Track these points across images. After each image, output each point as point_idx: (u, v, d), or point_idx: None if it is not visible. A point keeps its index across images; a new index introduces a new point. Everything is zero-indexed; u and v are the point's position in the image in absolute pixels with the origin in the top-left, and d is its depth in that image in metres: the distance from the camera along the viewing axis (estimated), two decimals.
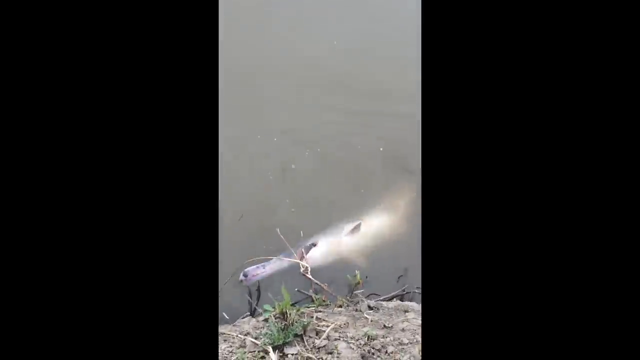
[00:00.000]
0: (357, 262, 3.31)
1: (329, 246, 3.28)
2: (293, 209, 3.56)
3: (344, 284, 2.98)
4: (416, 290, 3.00)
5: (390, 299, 2.96)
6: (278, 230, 2.90)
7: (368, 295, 2.99)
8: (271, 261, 2.76)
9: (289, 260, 2.75)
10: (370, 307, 2.45)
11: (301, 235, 2.95)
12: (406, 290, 3.04)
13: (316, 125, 3.93)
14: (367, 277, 3.18)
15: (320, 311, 2.41)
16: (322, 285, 2.60)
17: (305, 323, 2.18)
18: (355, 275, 2.63)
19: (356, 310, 2.44)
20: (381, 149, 3.78)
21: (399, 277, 3.23)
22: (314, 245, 3.27)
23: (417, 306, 2.51)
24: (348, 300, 2.58)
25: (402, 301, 3.03)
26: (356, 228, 3.34)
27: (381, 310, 2.43)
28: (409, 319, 2.34)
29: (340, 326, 2.26)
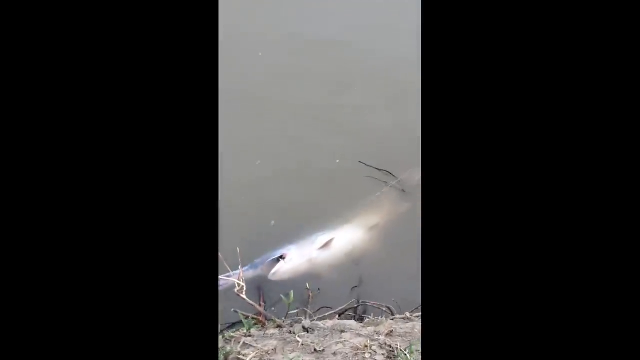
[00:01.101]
0: (327, 276, 3.18)
1: (300, 259, 3.14)
2: (273, 221, 3.42)
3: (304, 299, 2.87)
4: (368, 303, 2.87)
5: (342, 313, 2.84)
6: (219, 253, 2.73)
7: (319, 309, 2.86)
8: None
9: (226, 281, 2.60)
10: (305, 329, 2.31)
11: (238, 251, 2.78)
12: (360, 303, 2.91)
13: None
14: (319, 289, 3.05)
15: (250, 335, 2.28)
16: (254, 305, 2.46)
17: (227, 351, 2.05)
18: (289, 295, 2.48)
19: (290, 332, 2.31)
20: (338, 161, 3.63)
21: (352, 288, 3.11)
22: (282, 257, 3.12)
23: (355, 324, 2.37)
24: (285, 320, 2.45)
25: (356, 313, 2.91)
26: (328, 243, 3.20)
27: (316, 332, 2.30)
28: (344, 341, 2.20)
29: (267, 352, 2.13)
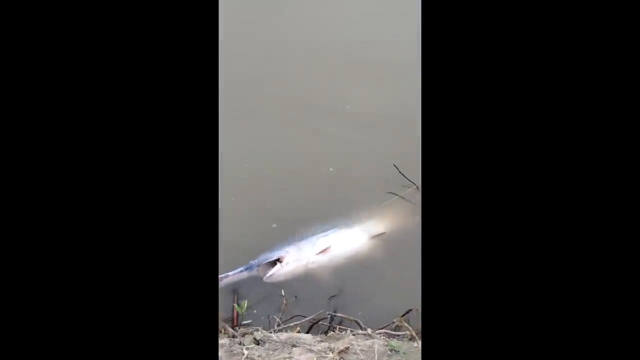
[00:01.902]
0: (324, 280, 3.07)
1: (297, 262, 3.04)
2: (274, 225, 3.34)
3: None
4: (337, 315, 2.73)
5: (315, 323, 2.71)
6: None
7: (291, 317, 2.75)
8: None
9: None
10: (256, 341, 2.20)
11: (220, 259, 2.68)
12: (328, 314, 2.77)
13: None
14: (295, 296, 2.94)
15: None
16: None
17: None
18: (241, 304, 2.37)
19: (240, 343, 2.20)
20: (331, 169, 3.50)
21: (330, 297, 2.97)
22: (279, 261, 3.03)
23: (310, 339, 2.24)
24: (238, 330, 2.35)
25: (331, 324, 2.77)
26: (326, 250, 3.09)
27: (267, 344, 2.18)
28: (290, 357, 2.08)
29: None
